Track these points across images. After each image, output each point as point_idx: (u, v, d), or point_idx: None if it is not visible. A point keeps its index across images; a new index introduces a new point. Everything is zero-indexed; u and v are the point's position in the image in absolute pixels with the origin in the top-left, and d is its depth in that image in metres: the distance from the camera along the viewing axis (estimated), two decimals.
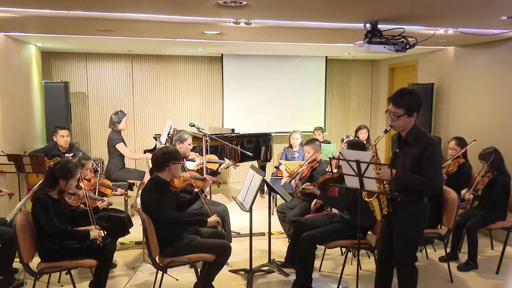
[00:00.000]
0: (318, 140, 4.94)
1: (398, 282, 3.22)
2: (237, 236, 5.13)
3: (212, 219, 3.65)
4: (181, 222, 3.62)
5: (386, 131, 3.07)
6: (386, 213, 3.13)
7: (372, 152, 3.10)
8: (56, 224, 3.35)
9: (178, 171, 3.67)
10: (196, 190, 3.89)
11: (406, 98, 3.02)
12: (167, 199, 3.59)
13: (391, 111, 3.02)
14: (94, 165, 4.64)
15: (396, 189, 3.08)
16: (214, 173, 5.26)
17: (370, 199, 3.13)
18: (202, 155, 5.03)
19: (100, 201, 3.87)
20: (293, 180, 4.51)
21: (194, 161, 4.86)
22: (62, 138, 5.40)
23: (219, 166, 5.22)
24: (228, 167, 5.37)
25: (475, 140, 4.80)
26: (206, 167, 4.95)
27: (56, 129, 5.47)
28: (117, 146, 5.66)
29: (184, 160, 4.72)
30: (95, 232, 3.48)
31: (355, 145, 3.93)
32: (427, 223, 3.20)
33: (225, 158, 5.46)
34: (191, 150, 4.92)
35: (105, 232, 4.12)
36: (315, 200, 4.39)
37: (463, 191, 4.54)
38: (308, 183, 4.31)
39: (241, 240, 4.97)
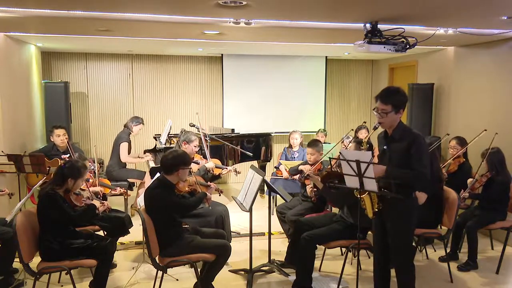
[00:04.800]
0: (320, 141, 4.93)
1: (397, 278, 3.23)
2: (237, 236, 5.13)
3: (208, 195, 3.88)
4: (183, 205, 3.69)
5: (375, 128, 3.17)
6: (376, 209, 3.17)
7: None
8: (72, 213, 3.43)
9: (185, 175, 3.72)
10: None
11: (393, 95, 3.11)
12: (171, 196, 3.62)
13: (379, 108, 3.10)
14: (93, 167, 4.64)
15: (385, 186, 3.11)
16: (215, 177, 5.26)
17: (362, 196, 3.15)
18: (206, 158, 5.04)
19: (101, 204, 3.88)
20: (309, 186, 4.51)
21: (198, 163, 4.86)
22: (58, 137, 5.39)
23: (221, 171, 5.21)
24: (229, 171, 5.37)
25: (485, 130, 4.73)
26: (213, 171, 4.98)
27: (53, 128, 5.48)
28: (121, 144, 5.70)
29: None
30: (98, 203, 3.71)
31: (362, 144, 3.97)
32: (417, 218, 3.24)
33: (227, 167, 5.45)
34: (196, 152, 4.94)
35: (105, 232, 4.13)
36: (310, 188, 4.46)
37: (469, 180, 4.55)
38: (313, 172, 4.38)
39: (241, 240, 4.97)
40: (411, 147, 3.03)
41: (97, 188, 4.39)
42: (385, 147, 3.18)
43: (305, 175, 4.40)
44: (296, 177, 4.89)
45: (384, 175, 3.04)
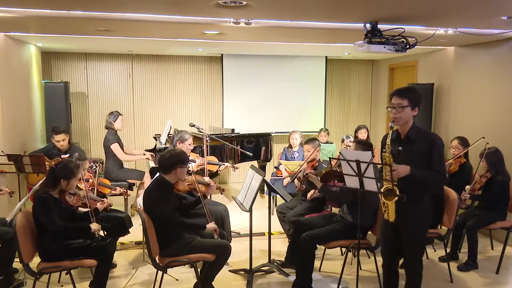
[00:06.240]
0: (317, 139, 4.96)
1: (406, 276, 3.25)
2: (237, 236, 5.13)
3: (211, 225, 3.72)
4: (181, 225, 3.63)
5: (391, 127, 3.12)
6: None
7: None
8: (58, 222, 3.37)
9: (183, 174, 3.69)
10: (199, 195, 3.91)
11: (410, 91, 3.16)
12: (170, 201, 3.60)
13: (396, 103, 3.08)
14: (94, 166, 4.63)
15: (401, 187, 3.05)
16: (213, 174, 5.26)
17: (391, 201, 3.05)
18: (202, 156, 5.02)
19: (100, 202, 3.88)
20: (297, 179, 4.55)
21: (194, 162, 4.86)
22: (57, 143, 5.35)
23: (218, 168, 5.21)
24: (226, 167, 5.37)
25: (483, 137, 4.71)
26: (206, 168, 4.96)
27: (52, 133, 5.43)
28: (111, 146, 5.63)
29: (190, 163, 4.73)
30: (95, 225, 3.57)
31: (364, 144, 4.00)
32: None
33: (224, 163, 5.44)
34: (192, 151, 4.92)
35: (105, 232, 4.13)
36: (312, 191, 4.48)
37: (467, 187, 4.54)
38: (313, 170, 4.39)
39: (241, 240, 4.97)
40: (431, 148, 3.02)
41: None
42: (400, 148, 3.13)
43: (305, 174, 4.42)
44: (296, 181, 4.90)
45: (410, 174, 2.98)
